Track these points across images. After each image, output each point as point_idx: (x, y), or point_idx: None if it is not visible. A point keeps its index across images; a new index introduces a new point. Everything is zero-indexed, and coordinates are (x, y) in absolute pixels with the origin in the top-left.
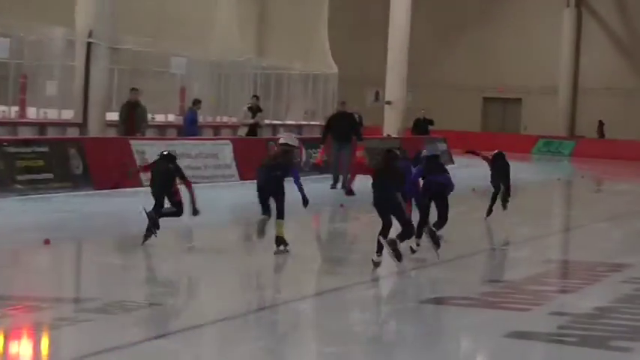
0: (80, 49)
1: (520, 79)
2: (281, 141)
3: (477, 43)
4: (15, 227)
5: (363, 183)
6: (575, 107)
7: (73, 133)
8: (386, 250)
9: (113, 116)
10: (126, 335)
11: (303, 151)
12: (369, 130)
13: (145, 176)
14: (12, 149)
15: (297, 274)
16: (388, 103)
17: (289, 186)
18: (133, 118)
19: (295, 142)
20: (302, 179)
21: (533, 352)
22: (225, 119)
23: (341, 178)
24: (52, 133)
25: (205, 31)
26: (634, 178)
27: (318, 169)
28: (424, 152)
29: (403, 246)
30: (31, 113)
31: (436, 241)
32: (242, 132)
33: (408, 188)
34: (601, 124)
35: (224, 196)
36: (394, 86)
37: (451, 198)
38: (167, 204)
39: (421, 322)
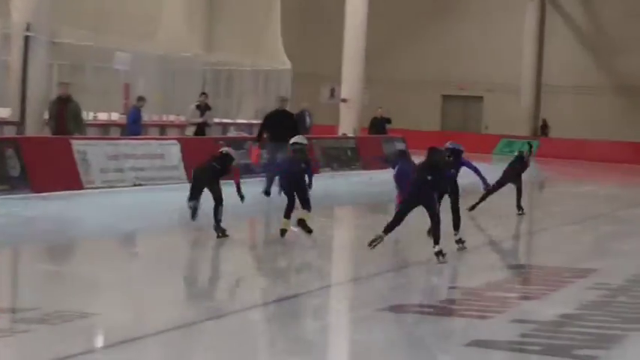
0: (17, 42)
1: (481, 76)
2: (292, 141)
3: (436, 39)
4: None
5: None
6: (538, 105)
7: (9, 132)
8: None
9: None
10: (66, 347)
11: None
12: (323, 129)
13: (87, 177)
14: None
15: (249, 281)
16: (344, 100)
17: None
18: (63, 115)
19: (304, 140)
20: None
21: None
22: (172, 118)
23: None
24: None
25: (151, 24)
26: (600, 179)
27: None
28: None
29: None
30: None
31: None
32: (190, 131)
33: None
34: (545, 123)
35: (170, 199)
36: (350, 83)
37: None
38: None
39: (377, 332)
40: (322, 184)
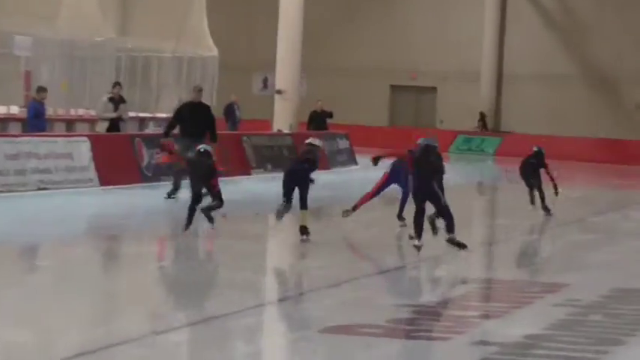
0: None
1: (435, 65)
2: (307, 141)
3: (384, 22)
4: None
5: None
6: (500, 97)
7: None
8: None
9: None
10: None
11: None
12: (255, 124)
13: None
14: None
15: (170, 298)
16: (279, 92)
17: None
18: None
19: (319, 143)
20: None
21: None
22: (81, 112)
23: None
24: None
25: (55, 5)
26: (570, 182)
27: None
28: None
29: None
30: None
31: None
32: (101, 127)
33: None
34: (482, 116)
35: (80, 204)
36: (286, 72)
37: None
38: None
39: (319, 356)
40: (254, 187)
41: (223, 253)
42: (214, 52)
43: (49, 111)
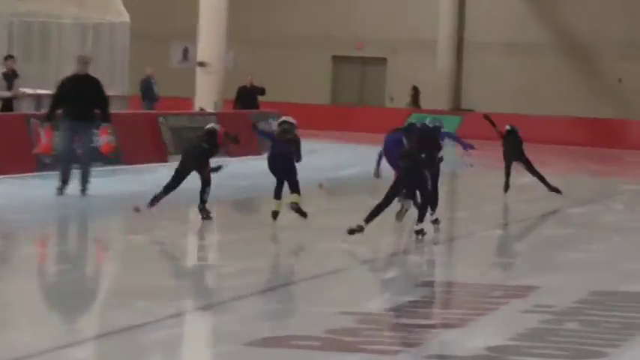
0: None
1: (384, 32)
2: (282, 119)
3: None
4: None
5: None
6: (460, 70)
7: None
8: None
9: None
10: None
11: None
12: (174, 102)
13: None
14: None
15: (76, 306)
16: (201, 64)
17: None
18: None
19: (294, 120)
20: None
21: None
22: None
23: (78, 175)
24: None
25: None
26: (543, 168)
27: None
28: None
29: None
30: None
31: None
32: None
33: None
34: (416, 90)
35: None
36: (209, 42)
37: None
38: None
39: None
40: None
41: (133, 252)
42: (125, 17)
43: None
